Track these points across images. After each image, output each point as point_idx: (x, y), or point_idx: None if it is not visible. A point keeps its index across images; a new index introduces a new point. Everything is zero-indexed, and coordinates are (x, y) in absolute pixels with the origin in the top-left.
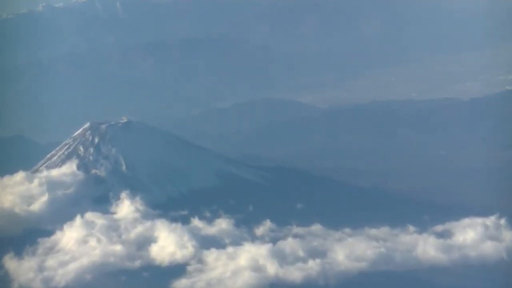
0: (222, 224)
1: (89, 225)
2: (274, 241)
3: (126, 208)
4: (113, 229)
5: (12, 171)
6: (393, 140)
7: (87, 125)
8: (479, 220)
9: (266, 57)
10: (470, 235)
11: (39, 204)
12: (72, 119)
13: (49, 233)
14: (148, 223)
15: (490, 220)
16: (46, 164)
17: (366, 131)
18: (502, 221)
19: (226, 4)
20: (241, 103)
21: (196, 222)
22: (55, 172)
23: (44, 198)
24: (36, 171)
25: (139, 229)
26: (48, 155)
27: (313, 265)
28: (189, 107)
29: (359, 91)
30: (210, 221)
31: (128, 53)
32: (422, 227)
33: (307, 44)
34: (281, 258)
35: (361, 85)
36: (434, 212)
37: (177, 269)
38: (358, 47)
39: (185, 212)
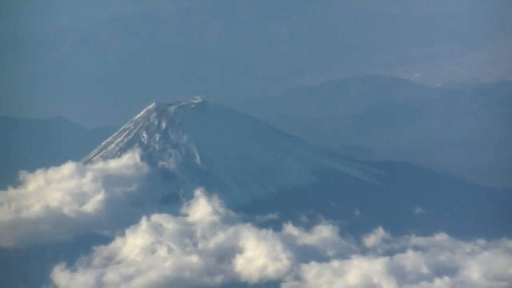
0: (323, 232)
1: (157, 229)
2: (389, 253)
3: (201, 209)
4: (187, 236)
5: (57, 162)
6: None
7: (151, 106)
8: None
9: (363, 22)
10: None
11: (93, 203)
12: (124, 99)
13: (107, 240)
14: (230, 229)
15: None
16: (101, 153)
17: (495, 117)
18: None
19: None
20: (334, 80)
21: (289, 228)
22: (113, 164)
23: (100, 196)
24: (89, 161)
25: (219, 236)
26: (104, 143)
27: (441, 284)
28: (270, 84)
29: (481, 67)
30: (307, 227)
31: (189, 16)
32: None
33: (413, 6)
34: (400, 275)
35: (483, 59)
36: None
37: (270, 287)
38: (478, 12)
39: (275, 216)
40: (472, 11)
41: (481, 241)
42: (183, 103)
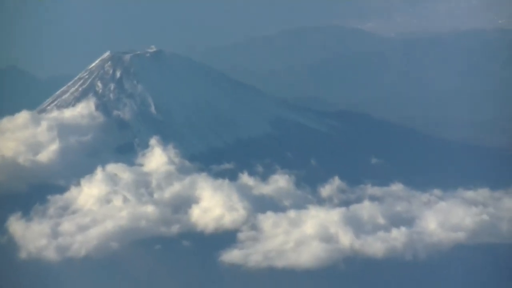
0: (280, 182)
1: (112, 179)
2: (345, 204)
3: (157, 159)
4: (143, 185)
5: (11, 111)
6: (485, 80)
7: (106, 54)
8: None
9: None
10: None
11: (48, 153)
12: (80, 47)
13: (62, 190)
14: (186, 179)
15: None
16: (56, 102)
17: (450, 68)
18: None
19: None
20: (290, 29)
21: (245, 178)
22: (67, 113)
23: (55, 145)
24: (43, 111)
25: (175, 186)
26: (58, 92)
27: (398, 235)
28: (225, 33)
29: (434, 17)
30: (263, 177)
31: None
32: None
33: None
34: (357, 225)
35: (436, 9)
36: None
37: (226, 237)
38: None
39: (231, 166)
40: None
41: (437, 192)
42: (138, 52)
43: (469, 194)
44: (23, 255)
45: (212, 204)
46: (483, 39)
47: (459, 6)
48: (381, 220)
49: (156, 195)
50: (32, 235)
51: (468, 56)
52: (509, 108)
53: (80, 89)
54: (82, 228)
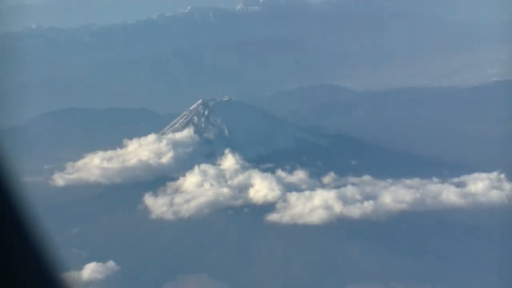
0: (299, 175)
1: (203, 173)
2: (337, 187)
3: (228, 161)
4: (221, 177)
5: (145, 134)
6: (417, 116)
7: (199, 101)
8: (485, 174)
9: (318, 54)
10: (479, 185)
11: (167, 158)
12: (180, 97)
13: (175, 179)
14: (246, 173)
15: (493, 175)
16: (171, 129)
17: (395, 109)
18: (502, 176)
19: (287, 13)
20: (302, 87)
21: (280, 172)
22: (178, 135)
23: (171, 154)
24: (163, 134)
25: (239, 177)
26: (172, 123)
27: (368, 205)
28: (264, 90)
29: (386, 80)
30: (290, 172)
31: (220, 51)
32: (443, 179)
33: (348, 44)
34: (344, 200)
35: (388, 75)
36: (451, 168)
37: (269, 207)
38: (384, 47)
39: (271, 165)
40: (380, 46)
41: (390, 180)
42: (218, 100)
43: (408, 181)
44: (153, 216)
45: (261, 188)
46: (414, 92)
47: (400, 72)
48: (358, 197)
49: (229, 182)
50: (158, 205)
51: (405, 103)
52: (429, 131)
53: (184, 121)
54: (187, 201)
